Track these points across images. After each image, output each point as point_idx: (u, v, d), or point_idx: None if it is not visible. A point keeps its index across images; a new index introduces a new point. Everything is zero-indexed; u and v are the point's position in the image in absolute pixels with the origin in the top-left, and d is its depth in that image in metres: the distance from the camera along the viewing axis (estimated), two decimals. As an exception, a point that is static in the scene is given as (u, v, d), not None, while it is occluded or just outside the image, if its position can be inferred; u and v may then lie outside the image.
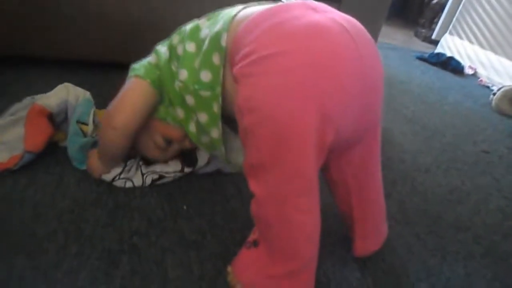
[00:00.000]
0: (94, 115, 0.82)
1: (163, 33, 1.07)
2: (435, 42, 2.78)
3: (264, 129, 0.50)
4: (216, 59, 0.60)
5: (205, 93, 0.62)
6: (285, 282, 0.56)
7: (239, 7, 0.63)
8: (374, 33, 1.40)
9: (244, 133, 0.53)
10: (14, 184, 0.71)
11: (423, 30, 3.06)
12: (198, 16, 0.70)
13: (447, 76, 2.23)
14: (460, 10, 2.54)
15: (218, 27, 0.60)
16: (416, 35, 3.13)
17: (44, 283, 0.55)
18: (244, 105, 0.52)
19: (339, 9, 1.26)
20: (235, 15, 0.60)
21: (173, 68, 0.68)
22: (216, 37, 0.60)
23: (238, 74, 0.53)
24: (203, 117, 0.65)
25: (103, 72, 1.15)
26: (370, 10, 1.34)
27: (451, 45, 2.57)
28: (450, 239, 0.82)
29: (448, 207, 0.93)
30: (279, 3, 0.57)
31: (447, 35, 2.63)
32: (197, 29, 0.65)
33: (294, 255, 0.55)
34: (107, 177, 0.75)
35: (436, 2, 3.00)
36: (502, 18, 2.28)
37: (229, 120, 0.65)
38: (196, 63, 0.63)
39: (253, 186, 0.54)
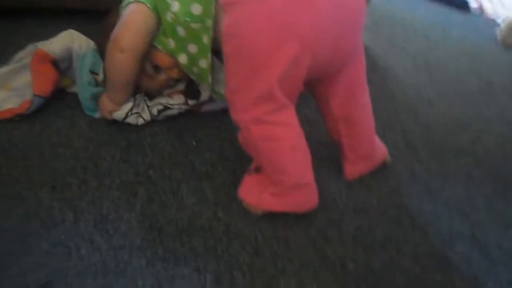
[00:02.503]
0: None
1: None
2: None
3: (243, 53, 0.57)
4: None
5: (195, 25, 0.66)
6: (289, 197, 0.62)
7: None
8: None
9: (226, 59, 0.60)
10: (30, 128, 0.74)
11: (427, -34, 2.93)
12: None
13: (452, 12, 2.16)
14: None
15: None
16: (420, -29, 3.00)
17: (71, 212, 0.59)
18: (227, 32, 0.57)
19: None
20: None
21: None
22: None
23: (224, 4, 0.57)
24: (193, 48, 0.69)
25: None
26: None
27: (456, -21, 2.47)
28: (452, 163, 0.85)
29: (450, 135, 0.95)
30: None
31: (452, -31, 2.53)
32: None
33: (284, 168, 0.62)
34: (120, 114, 0.76)
35: None
36: None
37: (218, 53, 0.68)
38: None
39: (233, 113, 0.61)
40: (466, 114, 1.06)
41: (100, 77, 0.80)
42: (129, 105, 0.76)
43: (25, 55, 0.81)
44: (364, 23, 0.66)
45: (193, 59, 0.71)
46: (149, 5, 0.69)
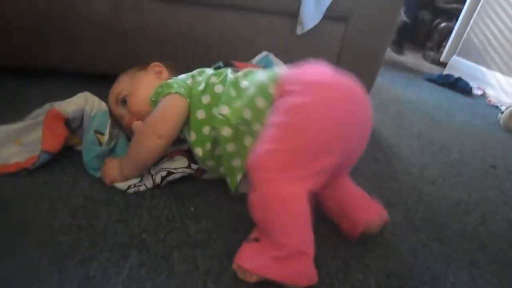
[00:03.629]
0: (110, 126, 0.86)
1: (180, 49, 1.12)
2: (444, 64, 2.81)
3: (304, 130, 0.66)
4: (260, 102, 0.72)
5: (243, 127, 0.73)
6: (290, 263, 0.61)
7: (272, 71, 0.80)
8: (381, 53, 1.44)
9: (276, 125, 0.67)
10: (32, 182, 0.75)
11: (432, 53, 3.10)
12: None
13: (456, 97, 2.24)
14: (468, 33, 2.58)
15: (262, 79, 0.76)
16: (425, 57, 3.17)
17: (57, 272, 0.58)
18: (294, 105, 0.68)
19: (344, 34, 1.30)
20: (277, 73, 0.77)
21: (203, 100, 0.78)
22: (263, 87, 0.74)
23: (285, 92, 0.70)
24: (231, 147, 0.75)
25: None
26: (376, 31, 1.38)
27: (459, 66, 2.60)
28: (455, 247, 0.83)
29: (454, 217, 0.94)
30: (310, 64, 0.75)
31: (455, 57, 2.67)
32: (236, 81, 0.79)
33: (291, 231, 0.62)
34: (121, 185, 0.78)
35: (444, 26, 3.05)
36: (508, 39, 2.31)
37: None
38: (237, 104, 0.74)
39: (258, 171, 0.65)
40: (470, 197, 1.05)
41: (105, 137, 0.83)
42: (134, 180, 0.78)
43: (41, 112, 0.85)
44: (371, 103, 0.74)
45: (224, 156, 0.77)
46: (188, 100, 0.78)
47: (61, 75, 1.19)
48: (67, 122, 0.83)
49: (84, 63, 1.17)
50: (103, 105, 0.88)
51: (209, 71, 0.86)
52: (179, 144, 0.86)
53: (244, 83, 0.77)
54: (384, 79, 2.11)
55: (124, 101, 0.88)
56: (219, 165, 0.80)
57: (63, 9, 1.06)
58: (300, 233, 0.63)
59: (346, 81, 0.72)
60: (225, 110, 0.75)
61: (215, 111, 0.76)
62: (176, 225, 0.72)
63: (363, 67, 1.42)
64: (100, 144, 0.83)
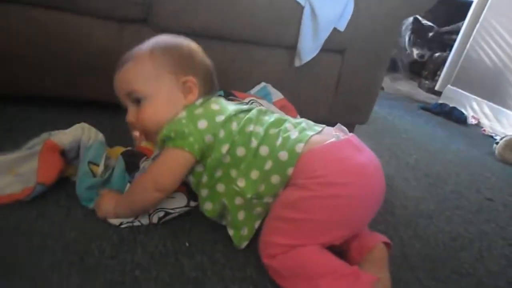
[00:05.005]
0: (106, 158, 0.86)
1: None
2: (439, 93, 2.86)
3: (337, 205, 0.70)
4: (275, 179, 0.73)
5: (255, 200, 0.75)
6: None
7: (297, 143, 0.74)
8: (378, 83, 1.46)
9: (302, 200, 0.70)
10: (25, 215, 0.74)
11: (427, 82, 3.15)
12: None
13: (451, 126, 2.26)
14: (462, 63, 2.63)
15: (282, 157, 0.73)
16: (420, 86, 3.23)
17: (45, 312, 0.56)
18: (323, 180, 0.69)
19: (341, 65, 1.32)
20: (299, 153, 0.72)
21: (223, 160, 0.76)
22: (282, 167, 0.73)
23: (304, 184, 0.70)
24: (241, 215, 0.77)
25: (118, 114, 1.21)
26: (372, 63, 1.40)
27: (454, 95, 2.64)
28: (452, 285, 0.82)
29: (451, 253, 0.93)
30: (331, 141, 0.74)
31: (449, 86, 2.71)
32: (257, 148, 0.75)
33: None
34: (114, 221, 0.77)
35: (438, 56, 3.12)
36: (501, 70, 2.35)
37: None
38: (254, 176, 0.74)
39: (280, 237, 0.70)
40: (467, 231, 1.04)
41: (100, 168, 0.83)
42: (129, 218, 0.78)
43: (37, 142, 0.85)
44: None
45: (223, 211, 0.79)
46: (195, 155, 0.73)
47: (61, 103, 1.19)
48: (63, 153, 0.83)
49: (84, 91, 1.17)
50: (100, 136, 0.88)
51: (232, 114, 0.78)
52: None
53: (264, 150, 0.75)
54: (379, 108, 2.13)
55: (137, 101, 0.78)
56: (223, 216, 0.81)
57: (65, 41, 1.07)
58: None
59: (369, 162, 0.74)
60: (242, 183, 0.74)
61: (233, 175, 0.76)
62: (170, 261, 0.71)
63: (360, 98, 1.45)
64: (94, 175, 0.83)
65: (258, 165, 0.74)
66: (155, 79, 0.77)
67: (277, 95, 1.19)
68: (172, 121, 0.75)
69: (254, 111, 0.80)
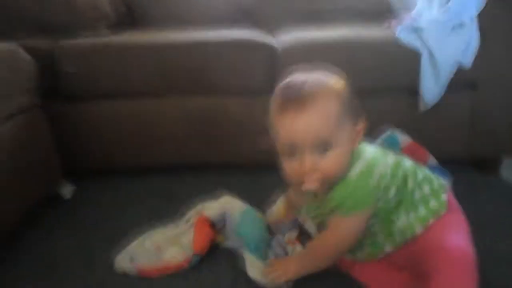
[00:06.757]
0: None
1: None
2: None
3: None
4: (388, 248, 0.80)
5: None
6: None
7: None
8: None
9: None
10: (184, 281, 0.87)
11: None
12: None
13: None
14: None
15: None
16: None
17: None
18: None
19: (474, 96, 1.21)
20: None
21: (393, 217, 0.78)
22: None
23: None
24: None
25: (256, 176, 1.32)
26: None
27: None
28: None
29: None
30: None
31: None
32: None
33: None
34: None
35: None
36: None
37: None
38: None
39: None
40: None
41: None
42: None
43: (193, 214, 1.00)
44: None
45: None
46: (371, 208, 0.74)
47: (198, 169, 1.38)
48: (213, 224, 0.97)
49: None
50: (244, 206, 0.98)
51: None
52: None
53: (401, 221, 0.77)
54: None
55: (323, 148, 0.67)
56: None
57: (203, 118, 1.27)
58: None
59: None
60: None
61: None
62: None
63: (502, 128, 1.29)
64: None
65: (390, 233, 0.78)
66: (342, 123, 0.68)
67: (404, 138, 1.15)
68: (354, 186, 0.71)
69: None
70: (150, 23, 1.64)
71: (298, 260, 0.84)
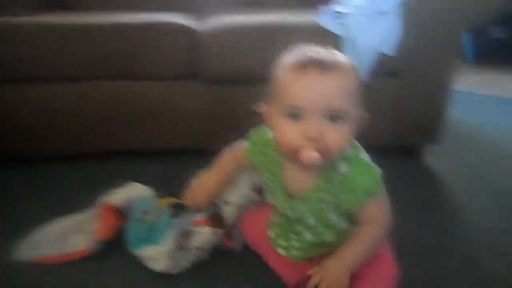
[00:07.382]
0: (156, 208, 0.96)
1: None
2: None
3: None
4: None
5: None
6: None
7: None
8: (441, 99, 1.31)
9: None
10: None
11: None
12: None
13: None
14: None
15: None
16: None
17: None
18: None
19: (398, 84, 1.23)
20: None
21: None
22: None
23: None
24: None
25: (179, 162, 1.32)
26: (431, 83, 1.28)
27: None
28: None
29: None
30: None
31: None
32: None
33: None
34: None
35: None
36: None
37: None
38: None
39: None
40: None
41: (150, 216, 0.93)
42: None
43: (99, 202, 0.99)
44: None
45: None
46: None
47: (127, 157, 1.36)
48: (119, 210, 0.95)
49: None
50: (149, 191, 0.99)
51: None
52: None
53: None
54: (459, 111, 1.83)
55: (333, 119, 0.63)
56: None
57: (124, 102, 1.24)
58: None
59: None
60: None
61: None
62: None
63: (425, 118, 1.33)
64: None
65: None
66: (355, 102, 0.66)
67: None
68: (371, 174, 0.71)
69: None
70: (86, 7, 1.58)
71: (344, 263, 0.74)
